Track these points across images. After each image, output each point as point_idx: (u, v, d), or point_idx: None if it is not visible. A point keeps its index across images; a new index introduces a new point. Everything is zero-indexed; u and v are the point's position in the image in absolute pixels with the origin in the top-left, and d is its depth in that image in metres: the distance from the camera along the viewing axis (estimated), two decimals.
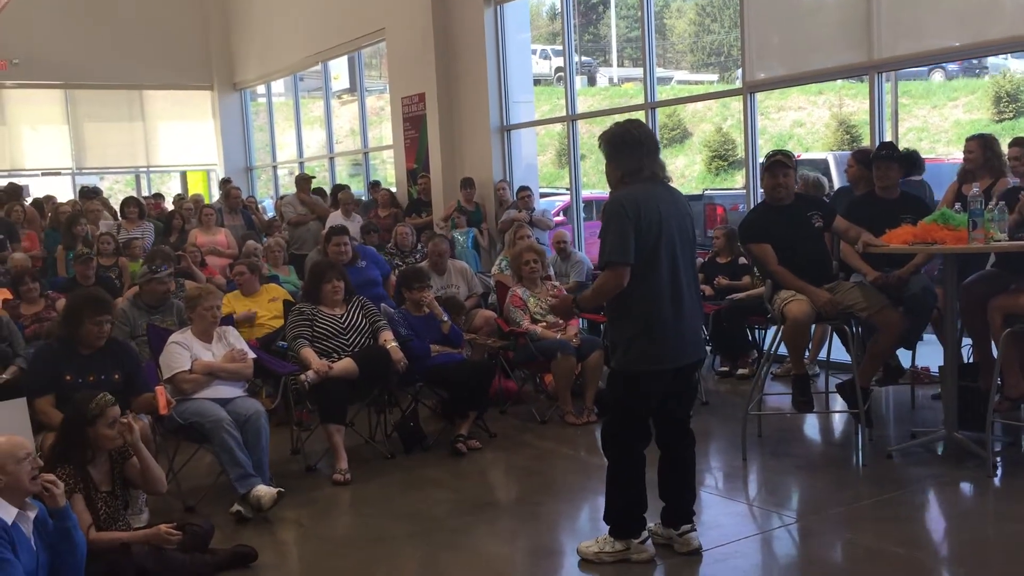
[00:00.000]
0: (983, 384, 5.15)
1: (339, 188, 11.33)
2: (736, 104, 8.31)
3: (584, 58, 29.74)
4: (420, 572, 4.22)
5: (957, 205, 5.45)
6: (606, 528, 4.01)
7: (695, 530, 4.03)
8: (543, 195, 14.17)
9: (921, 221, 5.00)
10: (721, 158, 23.80)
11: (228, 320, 5.72)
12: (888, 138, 7.48)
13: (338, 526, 4.88)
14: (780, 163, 5.26)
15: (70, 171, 16.50)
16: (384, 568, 4.16)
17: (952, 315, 5.07)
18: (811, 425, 6.13)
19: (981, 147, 5.71)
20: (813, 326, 6.87)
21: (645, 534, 3.97)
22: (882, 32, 7.07)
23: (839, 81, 20.04)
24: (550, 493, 5.09)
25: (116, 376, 4.66)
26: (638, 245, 3.71)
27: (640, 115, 9.18)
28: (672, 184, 3.99)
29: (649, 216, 3.73)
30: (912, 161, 5.72)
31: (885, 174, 5.61)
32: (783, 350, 5.48)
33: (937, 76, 23.00)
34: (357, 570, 4.14)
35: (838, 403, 6.00)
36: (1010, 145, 5.59)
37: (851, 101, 22.64)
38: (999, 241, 4.72)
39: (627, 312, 3.82)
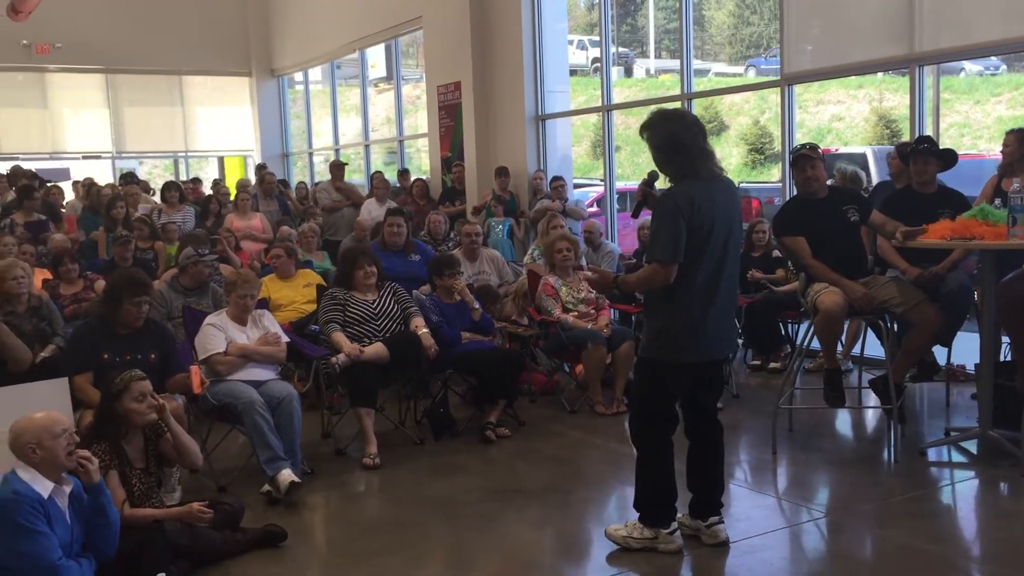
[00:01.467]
0: (1020, 383, 5.07)
1: (374, 174, 11.40)
2: (774, 97, 8.23)
3: (621, 49, 29.61)
4: (447, 556, 4.24)
5: (997, 201, 5.36)
6: (635, 514, 4.02)
7: (723, 522, 4.03)
8: (577, 186, 14.14)
9: (960, 216, 4.93)
10: (758, 151, 23.60)
11: (263, 304, 5.79)
12: (929, 133, 7.37)
13: (366, 509, 4.93)
14: (805, 156, 5.21)
15: (110, 155, 16.75)
16: (411, 551, 4.18)
17: (989, 312, 5.00)
18: (843, 420, 6.08)
19: (1018, 140, 5.62)
20: (847, 321, 6.85)
21: (674, 525, 3.97)
22: (924, 24, 6.97)
23: (879, 75, 19.77)
24: (579, 482, 5.10)
25: (152, 356, 4.74)
26: (687, 243, 3.72)
27: (676, 106, 9.15)
28: (726, 178, 3.96)
29: (702, 216, 3.74)
30: (949, 157, 5.63)
31: (923, 168, 5.55)
32: (816, 345, 5.45)
33: (973, 69, 22.58)
34: (384, 553, 4.17)
35: (871, 399, 5.95)
36: None
37: (891, 95, 22.34)
38: None
39: (663, 303, 3.84)
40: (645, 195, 4.13)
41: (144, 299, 4.74)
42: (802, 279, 5.31)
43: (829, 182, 5.74)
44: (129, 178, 12.49)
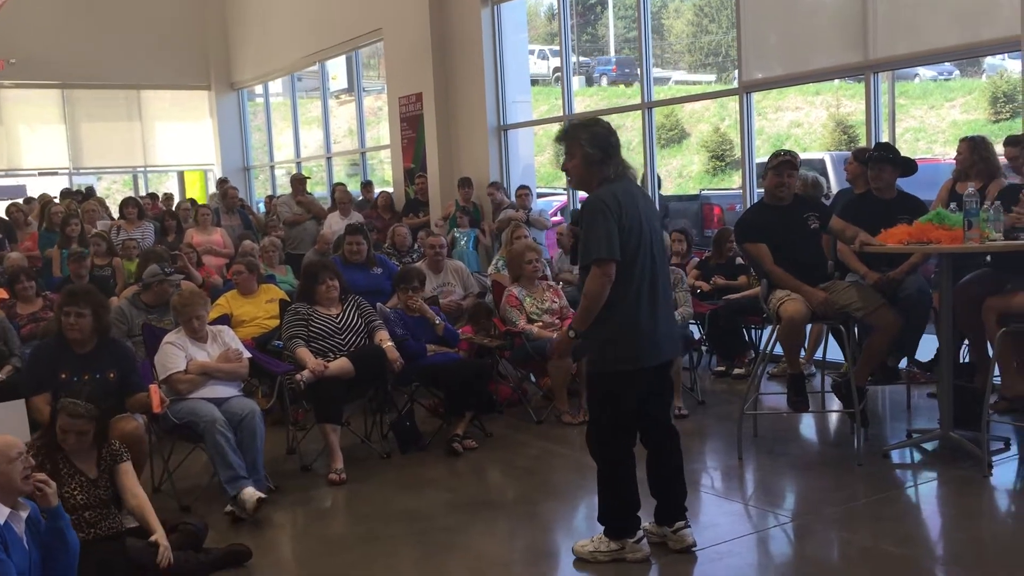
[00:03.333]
0: (979, 384, 5.15)
1: (336, 187, 11.34)
2: (734, 104, 8.32)
3: (582, 58, 29.77)
4: (415, 572, 4.20)
5: (952, 204, 5.44)
6: (601, 527, 4.01)
7: (689, 526, 4.02)
8: (541, 195, 14.17)
9: (917, 221, 5.00)
10: (719, 158, 23.84)
11: (224, 320, 5.72)
12: (885, 138, 7.49)
13: (333, 525, 4.88)
14: (788, 163, 5.26)
15: (67, 171, 16.50)
16: (378, 567, 4.14)
17: (948, 315, 5.07)
18: (807, 425, 6.13)
19: (969, 149, 5.73)
20: (809, 326, 6.92)
21: (640, 533, 3.97)
22: (878, 32, 7.08)
23: (836, 81, 20.06)
24: (547, 493, 5.09)
25: (111, 375, 4.66)
26: (620, 244, 3.73)
27: (636, 115, 9.21)
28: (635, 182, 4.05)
29: (629, 213, 3.76)
30: (908, 165, 5.71)
31: (878, 175, 5.62)
32: (779, 350, 5.49)
33: (927, 74, 23.01)
34: (351, 570, 4.13)
35: (834, 403, 6.01)
36: (1005, 144, 5.59)
37: (848, 101, 22.69)
38: (994, 241, 4.74)
39: (607, 311, 3.79)
40: (576, 235, 4.22)
41: (73, 309, 4.63)
42: (764, 285, 5.36)
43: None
44: (72, 194, 12.33)
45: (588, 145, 3.88)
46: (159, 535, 3.81)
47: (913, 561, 3.93)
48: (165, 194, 14.05)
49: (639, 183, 4.08)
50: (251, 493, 4.66)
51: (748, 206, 7.34)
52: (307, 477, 5.45)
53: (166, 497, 5.02)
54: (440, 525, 4.60)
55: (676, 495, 4.05)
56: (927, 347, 5.84)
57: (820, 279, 5.27)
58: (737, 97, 8.15)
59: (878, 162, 5.64)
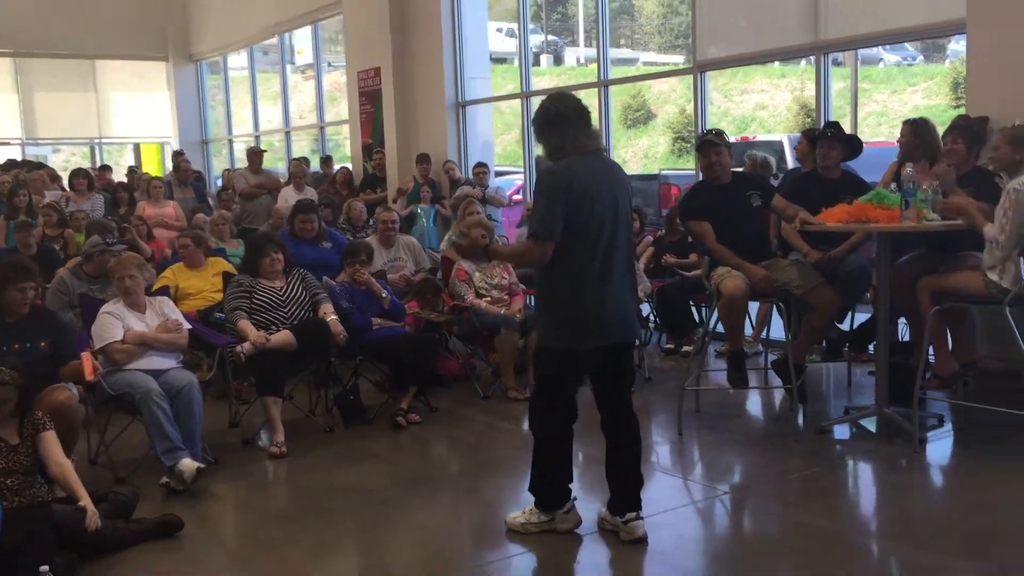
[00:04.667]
0: (915, 361, 5.23)
1: (292, 161, 11.25)
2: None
3: (551, 37, 29.68)
4: (355, 544, 4.20)
5: (892, 185, 5.50)
6: (533, 499, 4.01)
7: (641, 518, 3.88)
8: (502, 173, 14.15)
9: (857, 200, 5.05)
10: (684, 139, 23.93)
11: (165, 292, 5.66)
12: (848, 122, 7.56)
13: (271, 498, 4.87)
14: (709, 142, 5.30)
15: (19, 141, 16.20)
16: (318, 540, 4.12)
17: (885, 294, 5.14)
18: (749, 401, 6.20)
19: (912, 131, 5.78)
20: (757, 305, 6.99)
21: (569, 504, 3.97)
22: (829, 13, 7.13)
23: (802, 64, 20.17)
24: (489, 467, 5.11)
25: (42, 344, 4.59)
26: (568, 220, 3.63)
27: (593, 93, 9.20)
28: (606, 155, 3.91)
29: (582, 190, 3.63)
30: (854, 145, 5.77)
31: (827, 153, 5.67)
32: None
33: (891, 59, 23.24)
34: (290, 542, 4.10)
35: (777, 380, 6.07)
36: (943, 136, 5.63)
37: (813, 84, 22.83)
38: (931, 221, 4.80)
39: (553, 288, 3.76)
40: None
41: (29, 285, 4.58)
42: (706, 263, 5.40)
43: (740, 168, 5.84)
44: (23, 164, 12.12)
45: (536, 117, 3.83)
46: (85, 501, 3.77)
47: (841, 535, 3.99)
48: (130, 167, 13.83)
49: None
50: (189, 464, 4.63)
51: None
52: (248, 450, 5.43)
53: (102, 470, 4.98)
54: (381, 498, 4.59)
55: (631, 486, 3.93)
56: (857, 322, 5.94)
57: (762, 257, 5.33)
58: (691, 76, 8.16)
59: (828, 140, 5.69)
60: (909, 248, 5.45)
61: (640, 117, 26.08)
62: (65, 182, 10.77)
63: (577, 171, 3.69)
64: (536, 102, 10.41)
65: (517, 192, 13.42)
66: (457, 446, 5.55)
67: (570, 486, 4.01)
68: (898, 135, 6.01)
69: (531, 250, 3.73)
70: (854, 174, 5.83)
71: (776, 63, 25.69)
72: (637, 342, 6.80)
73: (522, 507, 4.19)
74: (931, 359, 5.27)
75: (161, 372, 4.88)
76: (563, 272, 3.71)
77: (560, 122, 3.75)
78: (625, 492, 3.95)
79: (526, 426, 5.65)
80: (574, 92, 4.03)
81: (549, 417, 3.92)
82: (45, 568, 3.29)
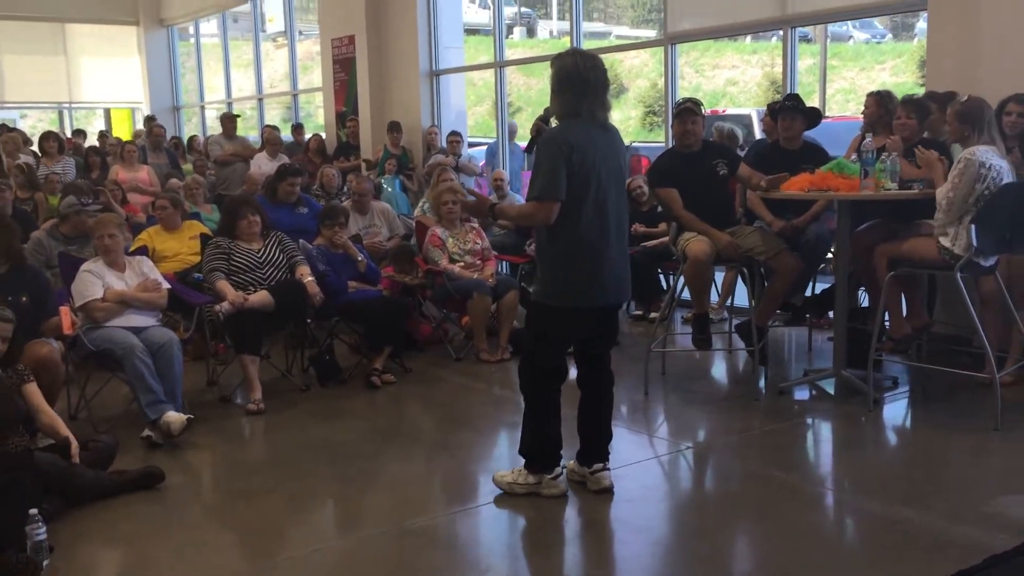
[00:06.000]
0: (871, 326, 5.44)
1: (265, 128, 11.26)
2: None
3: (524, 9, 29.59)
4: (330, 494, 4.34)
5: (854, 156, 5.70)
6: (522, 460, 4.08)
7: (608, 469, 4.05)
8: (476, 144, 14.20)
9: (818, 170, 5.23)
10: (655, 113, 24.07)
11: (143, 252, 5.74)
12: (816, 98, 7.73)
13: (248, 452, 5.01)
14: (689, 110, 5.45)
15: None
16: (293, 490, 4.26)
17: (843, 260, 5.34)
18: (713, 364, 6.42)
19: (876, 103, 5.96)
20: (723, 273, 7.19)
21: (558, 470, 4.04)
22: None
23: (773, 40, 20.33)
24: (461, 424, 5.26)
25: (23, 298, 4.68)
26: (569, 183, 3.71)
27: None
28: (610, 125, 3.95)
29: (582, 157, 3.71)
30: (814, 116, 5.94)
31: (790, 124, 5.84)
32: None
33: (861, 37, 23.49)
34: (266, 492, 4.25)
35: (741, 344, 6.28)
36: (900, 104, 5.81)
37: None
38: (889, 190, 4.99)
39: (552, 249, 3.85)
40: (539, 130, 4.21)
41: None
42: (673, 229, 5.56)
43: (711, 139, 5.99)
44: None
45: (553, 75, 3.85)
46: (70, 436, 3.89)
47: (792, 483, 4.20)
48: (101, 132, 13.74)
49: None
50: (176, 416, 4.74)
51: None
52: (226, 408, 5.55)
53: (83, 425, 5.07)
54: (355, 452, 4.75)
55: (600, 438, 4.09)
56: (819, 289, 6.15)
57: (727, 224, 5.50)
58: (661, 49, 8.29)
59: (789, 112, 5.86)
60: (869, 217, 5.64)
61: (613, 91, 26.07)
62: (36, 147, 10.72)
63: (578, 136, 3.75)
64: (517, 77, 10.57)
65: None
66: (430, 404, 5.71)
67: (561, 452, 4.07)
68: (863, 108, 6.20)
69: (537, 210, 3.77)
70: (816, 145, 6.02)
71: (748, 39, 25.87)
72: None
73: (499, 462, 4.34)
74: (887, 324, 5.49)
75: (141, 330, 4.98)
76: (564, 234, 3.78)
77: (585, 88, 3.77)
78: (594, 444, 4.11)
79: (498, 388, 5.92)
80: (529, 66, 4.06)
81: (542, 376, 3.97)
82: (34, 510, 3.42)
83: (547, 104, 4.02)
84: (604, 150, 3.83)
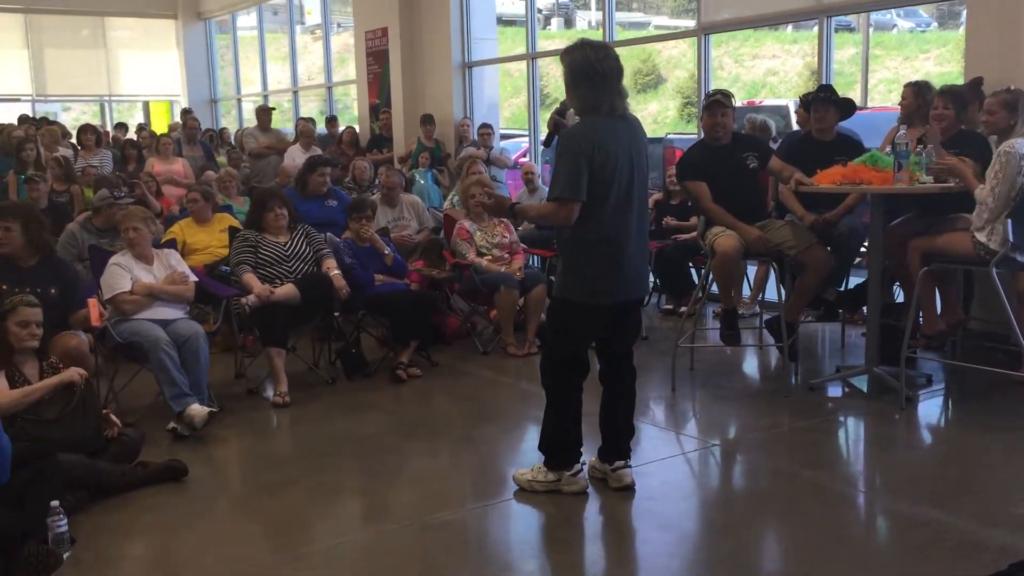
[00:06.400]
0: (904, 322, 5.33)
1: (299, 120, 11.31)
2: (713, 52, 8.32)
3: (563, 0, 29.47)
4: (356, 487, 4.35)
5: (888, 148, 5.57)
6: (542, 457, 4.05)
7: (629, 467, 4.02)
8: (509, 136, 14.17)
9: (851, 162, 5.13)
10: (692, 104, 23.84)
11: (172, 245, 5.79)
12: (858, 88, 7.59)
13: (273, 445, 5.03)
14: (718, 102, 5.36)
15: (30, 98, 16.28)
16: (316, 482, 4.27)
17: (876, 255, 5.23)
18: (743, 360, 6.33)
19: (914, 94, 5.83)
20: (756, 267, 7.09)
21: (578, 467, 4.00)
22: None
23: (814, 30, 20.05)
24: (487, 418, 5.24)
25: (53, 290, 4.73)
26: (591, 182, 3.66)
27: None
28: (631, 116, 3.88)
29: (604, 154, 3.66)
30: (848, 107, 5.82)
31: (822, 116, 5.73)
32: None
33: (905, 26, 23.08)
34: (291, 484, 4.26)
35: (771, 340, 6.18)
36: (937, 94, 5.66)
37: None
38: (924, 183, 4.88)
39: (573, 245, 3.82)
40: (557, 124, 4.15)
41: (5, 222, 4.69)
42: (701, 222, 5.49)
43: (742, 131, 5.89)
44: (34, 120, 12.23)
45: (563, 68, 3.79)
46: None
47: (821, 482, 4.12)
48: (139, 125, 13.92)
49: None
50: (199, 409, 4.79)
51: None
52: (252, 400, 5.59)
53: (110, 416, 5.11)
54: (380, 445, 4.75)
55: (622, 435, 4.05)
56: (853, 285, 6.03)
57: (757, 217, 5.41)
58: (695, 39, 8.19)
59: (821, 103, 5.75)
60: (904, 211, 5.53)
61: (651, 82, 25.95)
62: (74, 139, 10.88)
63: (600, 133, 3.69)
64: (547, 64, 10.51)
65: (524, 155, 13.46)
66: (456, 398, 5.69)
67: (581, 449, 4.03)
68: (899, 98, 6.06)
69: (557, 211, 3.72)
70: (850, 137, 5.90)
71: (789, 28, 25.50)
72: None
73: (523, 457, 4.32)
74: (920, 320, 5.37)
75: (168, 322, 5.02)
76: (585, 231, 3.74)
77: (600, 81, 3.70)
78: (616, 441, 4.06)
79: (525, 382, 5.89)
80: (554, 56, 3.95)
81: (563, 372, 3.94)
82: (56, 503, 3.46)
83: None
84: (626, 145, 3.76)
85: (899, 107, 6.17)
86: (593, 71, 3.70)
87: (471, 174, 7.64)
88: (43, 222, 4.90)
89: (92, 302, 4.70)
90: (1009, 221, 4.53)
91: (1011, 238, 4.54)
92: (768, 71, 25.11)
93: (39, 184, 7.58)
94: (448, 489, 4.26)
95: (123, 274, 5.05)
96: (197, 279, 5.37)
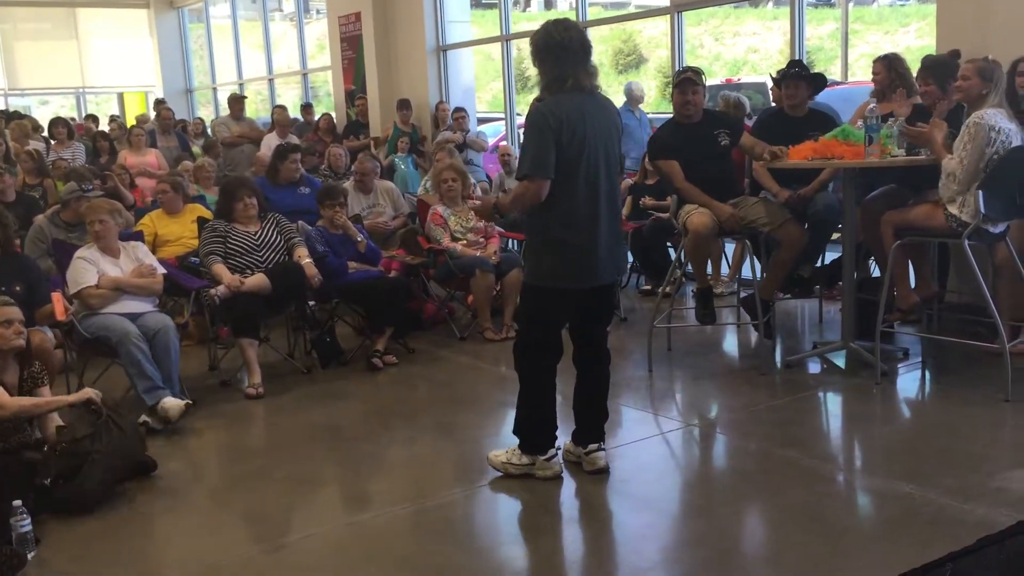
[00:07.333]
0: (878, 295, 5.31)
1: (275, 108, 11.21)
2: (694, 30, 8.28)
3: None
4: (329, 476, 4.31)
5: (860, 122, 5.53)
6: (516, 440, 4.01)
7: (603, 450, 3.99)
8: (490, 120, 14.08)
9: (822, 137, 5.09)
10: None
11: (139, 237, 5.71)
12: (839, 63, 7.54)
13: (247, 436, 4.98)
14: (688, 80, 5.31)
15: (3, 92, 16.08)
16: (292, 472, 4.22)
17: (850, 230, 5.20)
18: (721, 339, 6.30)
19: (885, 67, 5.78)
20: (734, 245, 7.06)
21: (552, 451, 3.96)
22: None
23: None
24: (466, 404, 5.20)
25: (17, 288, 4.66)
26: (558, 160, 3.60)
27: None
28: (601, 93, 3.83)
29: (572, 130, 3.60)
30: (821, 81, 5.79)
31: (794, 92, 5.69)
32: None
33: (884, 0, 23.06)
34: (265, 475, 4.22)
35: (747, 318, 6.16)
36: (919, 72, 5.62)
37: (806, 27, 22.59)
38: (896, 157, 4.85)
39: (542, 226, 3.76)
40: None
41: None
42: (674, 201, 5.45)
43: (715, 108, 5.83)
44: (2, 113, 12.08)
45: (532, 49, 3.74)
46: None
47: (796, 460, 4.09)
48: (111, 116, 13.76)
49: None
50: (174, 402, 4.73)
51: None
52: (226, 392, 5.53)
53: (81, 411, 5.05)
54: (356, 434, 4.72)
55: (596, 418, 4.02)
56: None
57: (730, 195, 5.38)
58: (668, 16, 8.13)
59: (792, 79, 5.71)
60: (880, 185, 5.49)
61: (632, 62, 25.90)
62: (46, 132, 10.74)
63: (567, 109, 3.63)
64: (521, 47, 10.45)
65: (503, 140, 13.37)
66: (433, 385, 5.65)
67: (556, 434, 3.99)
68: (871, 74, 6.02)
69: (527, 189, 3.66)
70: (822, 112, 5.86)
71: (770, 5, 25.43)
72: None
73: (500, 442, 4.27)
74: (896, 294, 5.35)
75: (137, 316, 4.96)
76: (553, 211, 3.69)
77: (562, 53, 3.65)
78: (590, 424, 4.03)
79: (503, 367, 5.85)
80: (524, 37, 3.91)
81: (535, 356, 3.89)
82: (18, 502, 3.40)
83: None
84: (595, 121, 3.69)
85: (871, 82, 6.13)
86: (555, 44, 3.65)
87: (438, 161, 7.57)
88: (5, 218, 4.81)
89: (56, 296, 4.63)
90: (980, 192, 4.50)
91: (983, 210, 4.51)
92: (749, 48, 25.07)
93: (5, 176, 7.45)
94: (425, 477, 4.22)
95: (88, 268, 4.97)
96: (166, 271, 5.29)
